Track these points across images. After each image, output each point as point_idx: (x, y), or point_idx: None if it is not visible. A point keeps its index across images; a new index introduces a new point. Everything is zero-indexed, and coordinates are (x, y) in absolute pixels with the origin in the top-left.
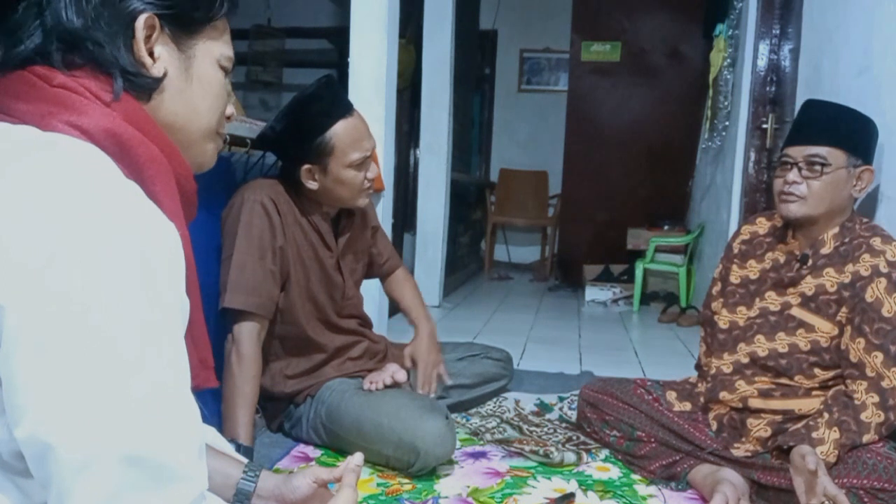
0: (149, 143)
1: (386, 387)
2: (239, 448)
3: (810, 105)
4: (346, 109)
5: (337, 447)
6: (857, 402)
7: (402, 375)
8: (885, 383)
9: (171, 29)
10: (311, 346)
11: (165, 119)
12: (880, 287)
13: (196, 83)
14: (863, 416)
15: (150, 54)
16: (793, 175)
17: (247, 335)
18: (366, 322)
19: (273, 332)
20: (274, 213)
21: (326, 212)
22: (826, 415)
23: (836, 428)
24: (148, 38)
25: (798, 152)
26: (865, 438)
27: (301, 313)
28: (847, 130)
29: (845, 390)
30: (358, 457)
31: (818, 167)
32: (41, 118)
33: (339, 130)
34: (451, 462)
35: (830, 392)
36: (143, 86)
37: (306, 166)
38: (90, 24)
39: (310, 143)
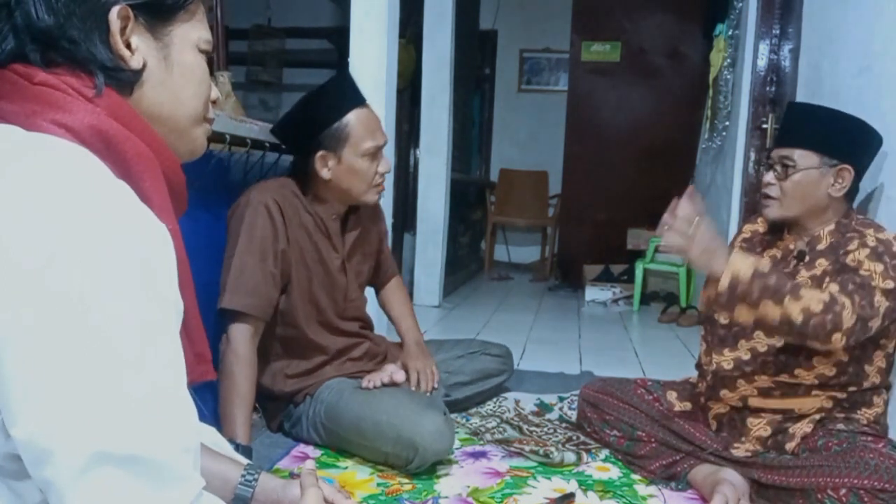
0: (134, 139)
1: (384, 385)
2: (238, 447)
3: (790, 108)
4: (360, 100)
5: (336, 446)
6: (806, 287)
7: (400, 376)
8: (840, 299)
9: (146, 18)
10: (312, 348)
11: (150, 110)
12: (861, 254)
13: (177, 71)
14: (802, 289)
15: (128, 46)
16: (767, 177)
17: (242, 336)
18: (367, 324)
19: (274, 333)
20: (278, 216)
21: (336, 211)
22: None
23: (768, 265)
24: (123, 29)
25: (775, 154)
26: (790, 295)
27: (302, 315)
28: (820, 132)
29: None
30: (309, 462)
31: (788, 168)
32: (26, 117)
33: (354, 119)
34: (451, 462)
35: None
36: (124, 79)
37: (321, 153)
38: (63, 22)
39: (325, 128)
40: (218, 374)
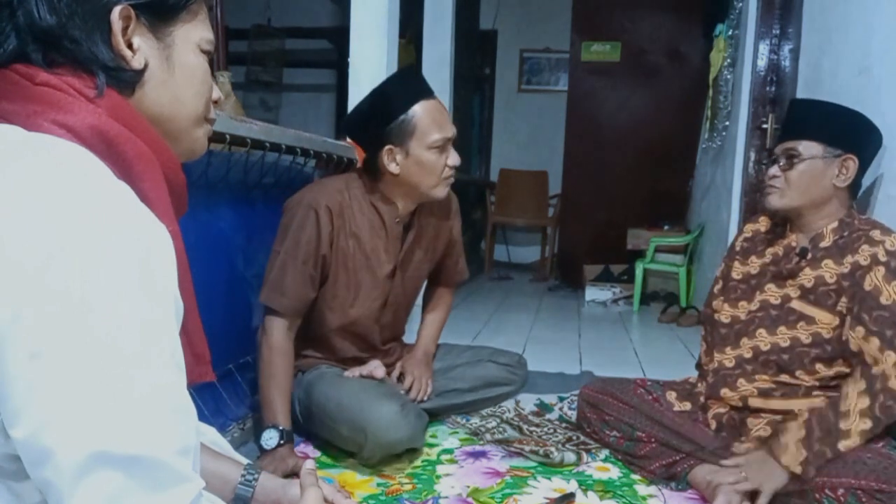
0: (135, 139)
1: (361, 377)
2: (281, 432)
3: (793, 103)
4: (427, 92)
5: (311, 429)
6: (841, 393)
7: (380, 372)
8: (875, 369)
9: (147, 18)
10: (326, 348)
11: (151, 111)
12: (878, 275)
13: (178, 71)
14: (842, 406)
15: (129, 46)
16: (772, 169)
17: (278, 329)
18: (397, 332)
19: (303, 319)
20: (326, 222)
21: (402, 213)
22: (806, 413)
23: (802, 428)
24: (125, 30)
25: (779, 148)
26: (843, 426)
27: (328, 319)
28: (822, 122)
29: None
30: (309, 462)
31: (792, 159)
32: (27, 118)
33: (420, 111)
34: (451, 462)
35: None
36: (126, 80)
37: (388, 147)
38: (64, 22)
39: (391, 121)
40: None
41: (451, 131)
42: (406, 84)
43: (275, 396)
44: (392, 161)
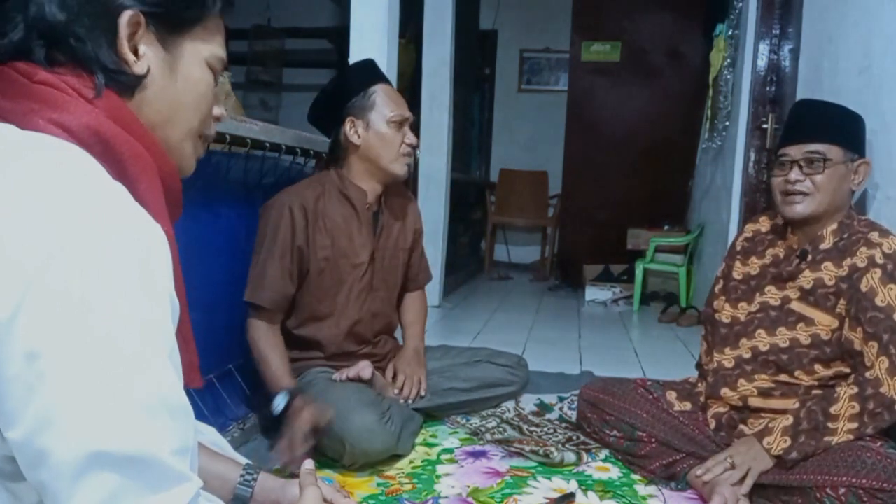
0: (132, 141)
1: (349, 380)
2: (288, 392)
3: (802, 104)
4: (385, 80)
5: None
6: (834, 394)
7: (367, 372)
8: (869, 373)
9: (158, 27)
10: (317, 345)
11: (148, 117)
12: (875, 277)
13: (181, 82)
14: (832, 409)
15: (134, 52)
16: (794, 174)
17: (261, 323)
18: (387, 324)
19: (284, 323)
20: (300, 217)
21: (370, 198)
22: (797, 404)
23: (790, 417)
24: (132, 35)
25: (797, 150)
26: (831, 425)
27: (317, 309)
28: (840, 126)
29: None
30: (308, 462)
31: (819, 163)
32: (23, 116)
33: (379, 90)
34: (451, 462)
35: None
36: (125, 83)
37: (350, 118)
38: (73, 19)
39: (354, 95)
40: (213, 372)
41: (408, 114)
42: (365, 70)
43: (272, 367)
44: (354, 132)
